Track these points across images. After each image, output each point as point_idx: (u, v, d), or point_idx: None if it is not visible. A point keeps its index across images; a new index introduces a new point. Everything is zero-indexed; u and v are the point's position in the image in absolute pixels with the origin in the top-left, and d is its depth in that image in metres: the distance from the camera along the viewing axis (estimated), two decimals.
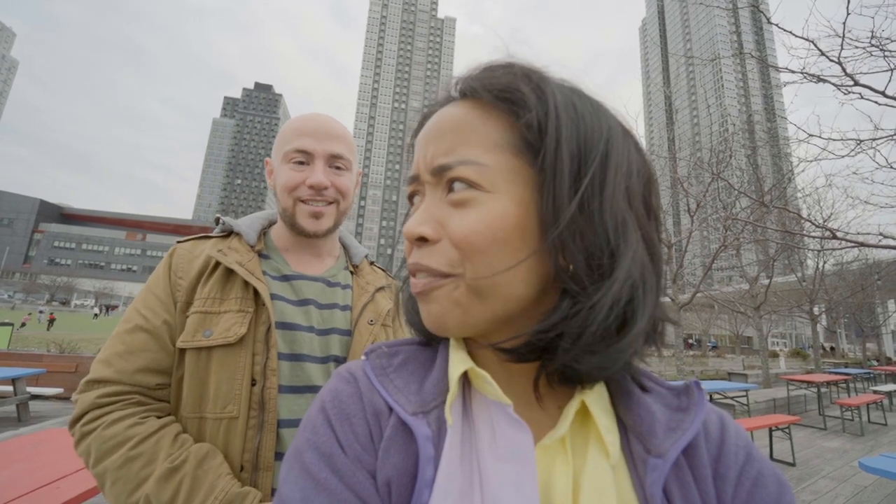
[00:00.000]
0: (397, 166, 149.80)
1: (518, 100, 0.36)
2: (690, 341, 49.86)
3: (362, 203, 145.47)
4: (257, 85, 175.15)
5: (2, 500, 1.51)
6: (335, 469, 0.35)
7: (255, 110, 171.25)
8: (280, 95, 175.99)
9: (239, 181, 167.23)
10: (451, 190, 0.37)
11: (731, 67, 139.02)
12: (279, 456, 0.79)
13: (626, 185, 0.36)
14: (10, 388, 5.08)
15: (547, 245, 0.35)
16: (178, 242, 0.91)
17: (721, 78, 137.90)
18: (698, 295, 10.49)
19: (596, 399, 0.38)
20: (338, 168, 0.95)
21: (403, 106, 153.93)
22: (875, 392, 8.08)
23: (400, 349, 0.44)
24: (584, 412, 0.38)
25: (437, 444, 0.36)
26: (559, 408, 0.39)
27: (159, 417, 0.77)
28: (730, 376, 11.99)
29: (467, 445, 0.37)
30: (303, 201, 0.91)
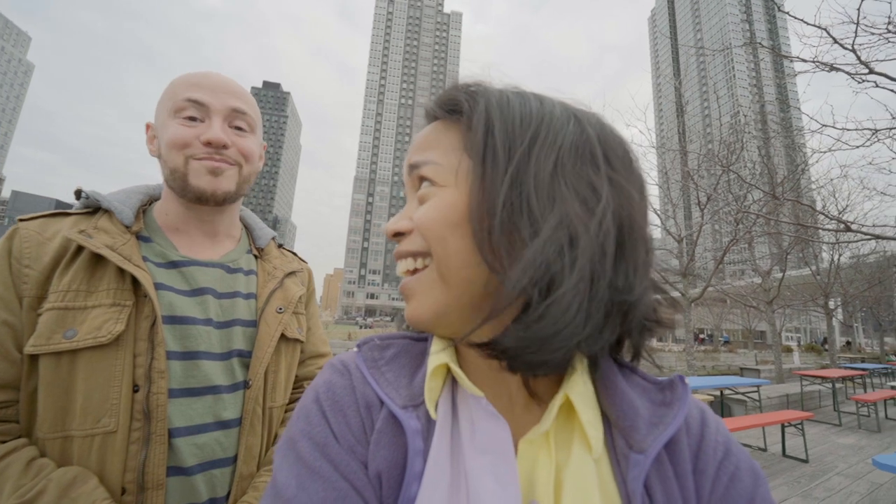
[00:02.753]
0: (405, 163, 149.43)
1: (458, 108, 0.41)
2: (702, 336, 49.32)
3: (370, 199, 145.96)
4: (265, 83, 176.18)
5: None
6: (329, 458, 0.36)
7: (264, 108, 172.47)
8: (288, 93, 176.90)
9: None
10: (420, 188, 0.43)
11: (744, 57, 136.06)
12: (173, 471, 0.67)
13: (555, 159, 0.36)
14: None
15: (475, 224, 0.36)
16: (21, 220, 0.73)
17: (733, 68, 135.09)
18: (710, 289, 10.35)
19: (580, 393, 0.38)
20: (238, 128, 0.81)
21: (410, 102, 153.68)
22: (893, 388, 7.89)
23: (392, 342, 0.45)
24: (569, 407, 0.38)
25: (426, 438, 0.37)
26: (546, 404, 0.40)
27: (3, 442, 0.62)
28: (742, 371, 11.81)
29: (456, 439, 0.38)
30: (197, 159, 0.77)
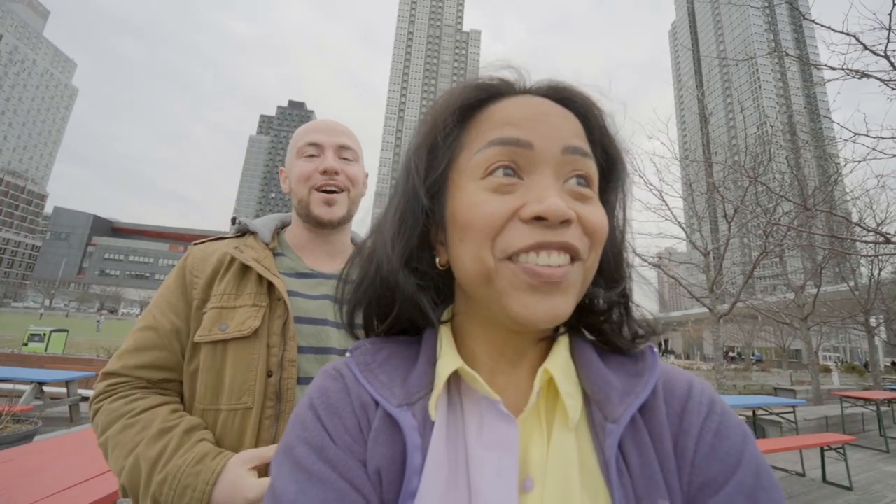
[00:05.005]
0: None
1: (609, 136, 0.45)
2: (732, 354, 47.26)
3: None
4: (291, 102, 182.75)
5: (59, 487, 1.63)
6: (327, 460, 0.36)
7: (289, 126, 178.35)
8: (312, 112, 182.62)
9: (273, 195, 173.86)
10: (569, 179, 0.40)
11: (769, 67, 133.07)
12: None
13: None
14: (64, 390, 5.44)
15: (617, 243, 0.46)
16: (193, 245, 0.96)
17: (758, 79, 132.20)
18: (739, 305, 9.95)
19: (561, 369, 0.40)
20: (346, 159, 1.01)
21: None
22: None
23: (383, 345, 0.46)
24: (555, 387, 0.40)
25: (424, 434, 0.37)
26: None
27: (163, 395, 0.82)
28: (776, 391, 11.26)
29: (453, 435, 0.39)
30: (317, 189, 0.96)
